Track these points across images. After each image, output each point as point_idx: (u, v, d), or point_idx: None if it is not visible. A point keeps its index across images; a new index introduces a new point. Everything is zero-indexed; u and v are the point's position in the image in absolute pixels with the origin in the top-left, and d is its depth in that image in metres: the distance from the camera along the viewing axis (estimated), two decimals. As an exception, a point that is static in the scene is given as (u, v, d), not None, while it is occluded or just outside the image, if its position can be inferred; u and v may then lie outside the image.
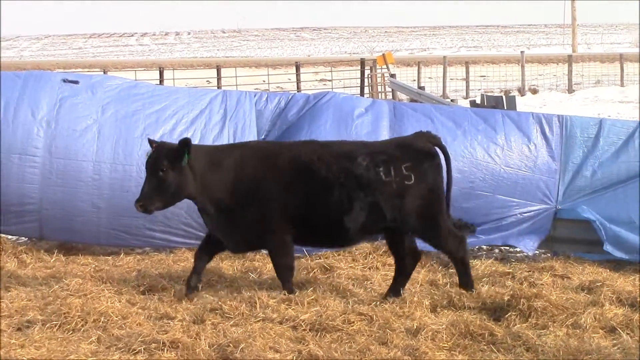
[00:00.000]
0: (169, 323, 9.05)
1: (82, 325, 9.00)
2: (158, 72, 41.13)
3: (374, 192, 10.06)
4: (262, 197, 10.12)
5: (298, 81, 43.91)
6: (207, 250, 10.52)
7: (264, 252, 12.42)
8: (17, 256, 12.16)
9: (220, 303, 9.63)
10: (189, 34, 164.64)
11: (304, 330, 8.92)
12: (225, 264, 11.84)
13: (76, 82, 13.16)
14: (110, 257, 12.30)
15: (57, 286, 10.35)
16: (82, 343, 8.53)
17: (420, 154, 10.29)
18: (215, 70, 44.48)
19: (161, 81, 38.68)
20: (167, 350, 8.26)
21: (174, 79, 41.90)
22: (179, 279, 10.93)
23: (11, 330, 8.97)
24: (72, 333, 8.88)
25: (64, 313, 9.17)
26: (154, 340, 8.37)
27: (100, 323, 9.04)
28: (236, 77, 41.42)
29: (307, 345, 8.45)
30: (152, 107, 13.01)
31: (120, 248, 12.67)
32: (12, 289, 10.44)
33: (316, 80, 50.33)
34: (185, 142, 9.96)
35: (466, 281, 10.39)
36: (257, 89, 38.10)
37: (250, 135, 12.80)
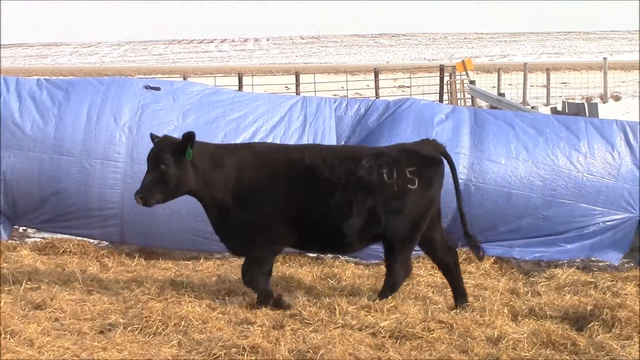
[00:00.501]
0: (249, 328, 9.08)
1: (163, 329, 9.06)
2: (237, 78, 41.33)
3: (374, 194, 9.98)
4: (263, 200, 10.02)
5: (377, 87, 43.82)
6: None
7: (343, 258, 12.45)
8: (99, 260, 12.30)
9: (299, 309, 9.64)
10: (267, 40, 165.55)
11: (384, 337, 8.88)
12: (304, 270, 11.85)
13: (158, 89, 13.28)
14: (190, 262, 12.39)
15: (138, 290, 10.46)
16: (163, 347, 8.59)
17: (425, 159, 10.21)
18: (293, 77, 44.58)
19: (240, 87, 38.87)
20: (247, 355, 8.27)
21: (252, 85, 42.12)
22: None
23: (93, 333, 9.07)
24: (153, 337, 8.94)
25: (145, 317, 9.24)
26: (234, 345, 8.39)
27: (181, 327, 9.09)
28: (314, 83, 41.48)
29: (386, 352, 8.41)
30: (232, 114, 13.08)
31: (199, 253, 12.75)
32: (94, 293, 10.56)
33: (395, 86, 50.19)
34: (189, 136, 9.86)
35: (385, 293, 10.18)
36: (335, 95, 38.14)
37: (330, 141, 12.80)
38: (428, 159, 10.19)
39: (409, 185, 10.01)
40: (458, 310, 9.78)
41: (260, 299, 10.04)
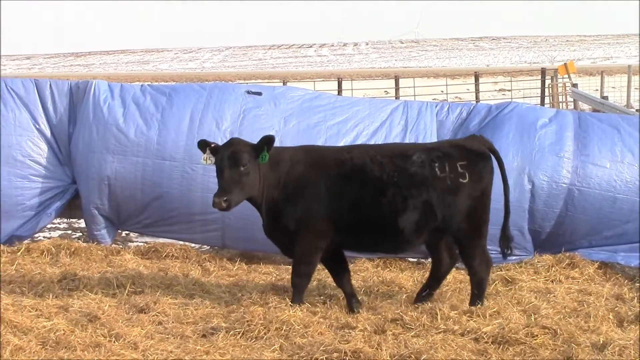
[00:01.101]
0: (350, 333, 9.06)
1: (265, 334, 9.09)
2: (336, 82, 41.38)
3: (427, 188, 9.91)
4: (309, 198, 9.97)
5: (477, 91, 43.42)
6: (335, 267, 10.43)
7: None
8: (201, 264, 12.40)
9: (401, 314, 9.59)
10: (367, 44, 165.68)
11: (486, 342, 8.79)
12: (405, 274, 11.81)
13: (259, 94, 13.36)
14: (289, 266, 12.40)
15: (240, 294, 10.53)
16: (265, 351, 8.62)
17: (474, 154, 10.13)
18: (393, 81, 44.46)
19: (339, 92, 38.90)
20: (348, 359, 8.25)
21: (352, 89, 42.10)
22: (359, 289, 10.94)
23: (196, 337, 9.15)
24: (254, 341, 8.99)
25: (247, 321, 9.29)
26: (336, 350, 8.39)
27: (282, 331, 9.12)
28: (414, 87, 41.26)
29: (489, 357, 8.35)
30: (333, 118, 13.08)
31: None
32: (196, 297, 10.65)
33: (495, 90, 49.79)
34: (269, 140, 9.81)
35: (475, 301, 10.12)
36: (435, 99, 37.95)
37: (431, 146, 12.69)
38: (477, 154, 10.15)
39: (461, 180, 9.97)
40: (562, 316, 9.63)
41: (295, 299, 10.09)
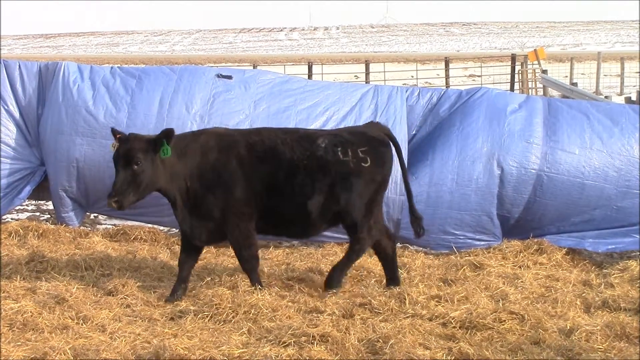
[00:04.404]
0: (319, 317, 9.07)
1: (233, 317, 9.10)
2: (307, 67, 41.38)
3: (331, 172, 9.95)
4: (226, 183, 9.91)
5: (447, 77, 43.58)
6: (188, 255, 10.25)
7: (412, 248, 12.40)
8: (169, 247, 12.38)
9: (369, 298, 9.61)
10: (337, 29, 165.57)
11: (454, 327, 8.82)
12: (374, 259, 11.78)
13: (230, 77, 13.32)
14: (259, 251, 12.39)
15: (208, 278, 10.50)
16: (233, 334, 8.61)
17: (374, 140, 10.21)
18: (363, 65, 44.51)
19: (310, 76, 38.91)
20: (316, 343, 8.26)
21: (322, 73, 42.13)
22: (327, 273, 10.96)
23: (164, 320, 9.15)
24: (223, 324, 8.99)
25: (216, 304, 9.30)
26: (304, 334, 8.40)
27: (251, 315, 9.12)
28: (384, 72, 41.35)
29: (457, 342, 8.36)
30: (304, 103, 13.07)
31: (268, 242, 12.74)
32: (164, 280, 10.64)
33: (465, 75, 49.91)
34: (168, 133, 9.65)
35: (337, 276, 10.21)
36: (405, 84, 38.01)
37: (401, 131, 12.71)
38: (377, 140, 10.22)
39: (363, 164, 10.01)
40: (529, 302, 9.68)
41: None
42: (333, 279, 10.21)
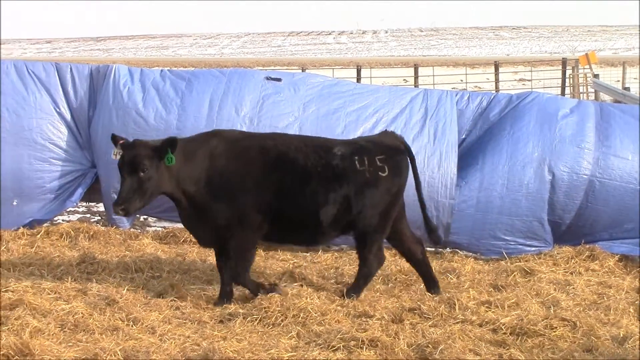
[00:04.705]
0: (368, 321, 9.05)
1: (282, 320, 9.08)
2: (355, 70, 41.33)
3: (348, 182, 9.86)
4: (239, 191, 9.76)
5: (496, 81, 43.28)
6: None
7: (462, 253, 12.33)
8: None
9: (419, 303, 9.57)
10: (386, 32, 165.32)
11: (504, 333, 8.75)
12: (423, 263, 11.76)
13: (279, 80, 13.33)
14: (308, 254, 12.39)
15: (257, 281, 10.49)
16: (282, 338, 8.61)
17: (391, 149, 10.11)
18: (412, 69, 44.39)
19: (358, 79, 38.83)
20: (366, 348, 8.23)
21: (370, 77, 42.09)
22: (376, 278, 10.92)
23: (213, 322, 9.16)
24: (272, 327, 8.98)
25: (265, 307, 9.29)
26: (353, 338, 8.37)
27: (300, 319, 9.10)
28: (433, 76, 41.21)
29: (507, 349, 8.29)
30: (353, 105, 13.04)
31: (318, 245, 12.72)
32: (214, 282, 10.64)
33: (515, 80, 49.57)
34: (171, 142, 9.54)
35: (352, 293, 10.07)
36: (454, 88, 37.83)
37: (451, 135, 12.66)
38: (393, 148, 10.13)
39: (380, 173, 9.93)
40: (582, 308, 9.58)
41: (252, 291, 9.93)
42: (350, 294, 10.08)
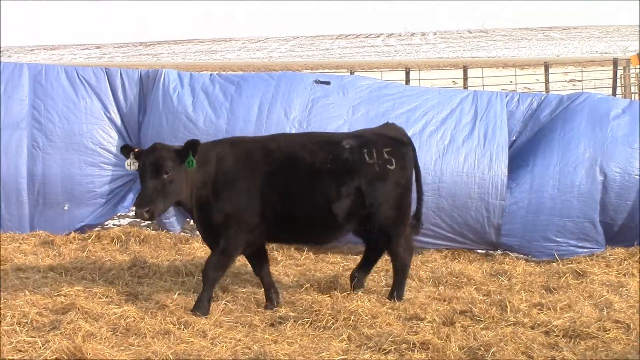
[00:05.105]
0: (419, 324, 9.01)
1: (333, 323, 9.07)
2: (404, 72, 41.21)
3: (359, 175, 9.82)
4: (239, 192, 9.61)
5: (546, 82, 42.92)
6: (255, 261, 10.11)
7: (513, 255, 12.25)
8: (269, 253, 12.38)
9: (470, 305, 9.52)
10: (434, 34, 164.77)
11: (557, 336, 8.68)
12: (474, 266, 11.73)
13: (328, 83, 13.33)
14: (357, 257, 12.34)
15: (307, 284, 10.50)
16: (333, 341, 8.59)
17: (396, 141, 10.10)
18: (461, 71, 44.17)
19: (407, 81, 38.70)
20: (417, 351, 8.21)
21: (419, 79, 41.90)
22: (427, 280, 10.89)
23: (264, 326, 9.16)
24: (322, 330, 8.97)
25: (315, 311, 9.29)
26: (405, 341, 8.34)
27: (350, 322, 9.09)
28: (483, 77, 40.93)
29: (560, 351, 8.21)
30: (402, 107, 13.01)
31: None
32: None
33: (565, 80, 49.20)
34: (192, 144, 9.38)
35: (399, 293, 10.09)
36: (504, 89, 37.58)
37: (501, 136, 12.59)
38: (398, 140, 10.14)
39: (388, 166, 9.92)
40: (635, 310, 9.46)
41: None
42: (397, 295, 10.09)
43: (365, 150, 9.89)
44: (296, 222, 9.81)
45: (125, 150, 9.55)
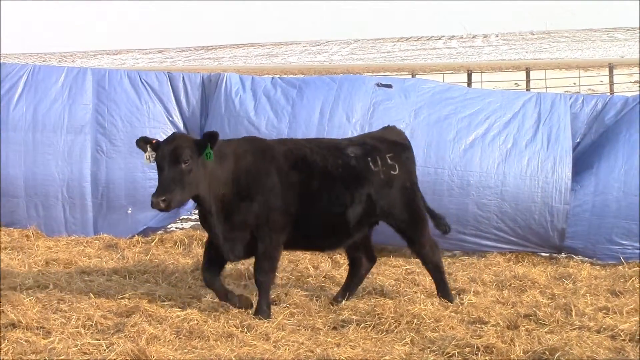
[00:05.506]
0: (482, 327, 8.94)
1: (396, 327, 9.04)
2: (466, 75, 41.05)
3: (367, 182, 9.75)
4: (266, 190, 9.43)
5: (611, 83, 42.54)
6: (212, 269, 9.71)
7: (578, 258, 12.13)
8: (331, 256, 12.39)
9: (534, 309, 9.44)
10: (496, 36, 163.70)
11: (623, 340, 8.56)
12: (538, 269, 11.64)
13: (389, 86, 13.30)
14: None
15: (370, 287, 10.48)
16: (396, 344, 8.56)
17: (397, 145, 10.04)
18: (524, 73, 43.87)
19: (469, 84, 38.57)
20: (481, 354, 8.14)
21: (481, 82, 41.71)
22: (490, 283, 10.82)
23: (327, 329, 9.15)
24: (385, 334, 8.94)
25: (378, 314, 9.26)
26: (468, 345, 8.28)
27: (413, 325, 9.05)
28: (545, 79, 40.65)
29: (626, 356, 8.11)
30: (464, 111, 12.93)
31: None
32: (326, 289, 10.68)
33: (630, 82, 48.68)
34: (212, 135, 9.07)
35: (445, 290, 10.04)
36: (567, 91, 37.29)
37: (565, 139, 12.48)
38: (399, 145, 10.11)
39: (392, 172, 9.88)
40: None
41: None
42: (447, 294, 10.06)
43: (369, 159, 9.87)
44: (309, 226, 9.72)
45: (142, 142, 9.22)
